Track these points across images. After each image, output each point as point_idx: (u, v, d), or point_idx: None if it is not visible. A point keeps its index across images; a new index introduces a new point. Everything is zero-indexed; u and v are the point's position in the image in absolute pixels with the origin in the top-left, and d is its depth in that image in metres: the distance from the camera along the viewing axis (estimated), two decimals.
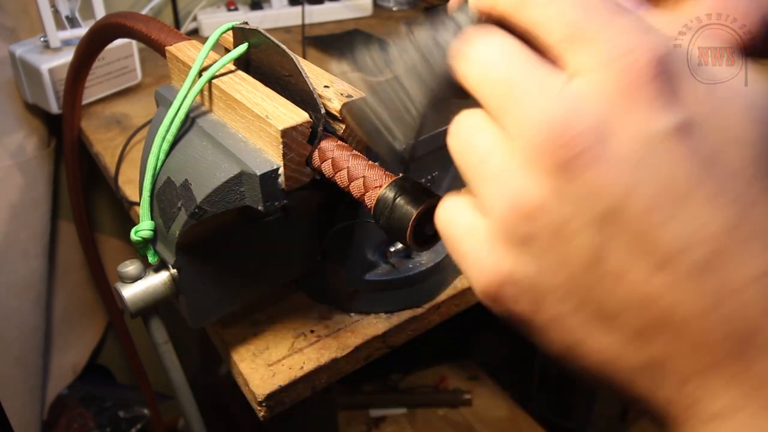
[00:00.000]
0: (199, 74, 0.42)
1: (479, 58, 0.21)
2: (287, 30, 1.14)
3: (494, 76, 0.20)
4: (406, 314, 0.53)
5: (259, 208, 0.39)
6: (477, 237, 0.21)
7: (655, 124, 0.18)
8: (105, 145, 0.81)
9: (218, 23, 1.07)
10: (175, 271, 0.43)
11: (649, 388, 0.19)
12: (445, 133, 0.60)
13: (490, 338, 1.36)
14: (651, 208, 0.18)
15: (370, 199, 0.36)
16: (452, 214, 0.23)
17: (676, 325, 0.18)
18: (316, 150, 0.39)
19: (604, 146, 0.18)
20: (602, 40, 0.18)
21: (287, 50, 0.39)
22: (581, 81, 0.19)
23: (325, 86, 0.41)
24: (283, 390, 0.48)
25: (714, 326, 0.18)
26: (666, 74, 0.18)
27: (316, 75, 0.42)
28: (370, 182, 0.36)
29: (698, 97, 0.18)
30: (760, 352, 0.18)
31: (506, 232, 0.20)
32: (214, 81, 0.42)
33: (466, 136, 0.22)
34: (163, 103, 0.46)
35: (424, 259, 0.53)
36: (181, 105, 0.41)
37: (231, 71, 0.43)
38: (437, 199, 0.34)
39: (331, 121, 0.40)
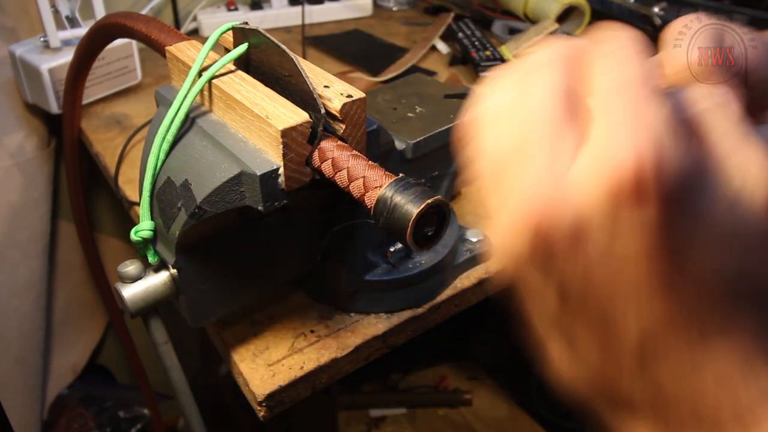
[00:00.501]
0: (199, 74, 0.42)
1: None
2: (287, 30, 1.14)
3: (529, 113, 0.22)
4: (406, 314, 0.53)
5: (259, 208, 0.39)
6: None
7: (622, 222, 0.20)
8: (105, 145, 0.81)
9: (218, 23, 1.07)
10: (175, 271, 0.43)
11: (598, 414, 0.25)
12: (444, 133, 0.60)
13: (490, 338, 1.36)
14: (597, 295, 0.21)
15: (370, 200, 0.36)
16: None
17: (611, 381, 0.23)
18: (316, 150, 0.39)
19: (567, 240, 0.21)
20: (608, 130, 0.20)
21: (287, 50, 0.39)
22: (576, 168, 0.21)
23: (325, 86, 0.41)
24: (283, 390, 0.48)
25: (637, 391, 0.23)
26: (649, 176, 0.19)
27: (316, 75, 0.42)
28: (370, 182, 0.36)
29: (677, 205, 0.20)
30: (671, 417, 0.22)
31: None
32: (214, 81, 0.42)
33: (490, 138, 0.23)
34: (163, 103, 0.46)
35: (424, 259, 0.53)
36: (181, 105, 0.41)
37: (231, 71, 0.43)
38: (437, 199, 0.34)
39: (331, 121, 0.40)
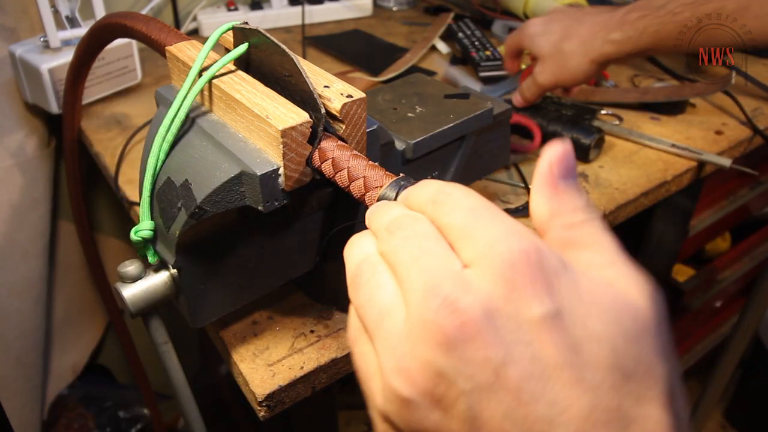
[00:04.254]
0: (199, 74, 0.42)
1: (402, 220, 0.25)
2: (287, 30, 1.14)
3: (411, 237, 0.24)
4: None
5: (260, 208, 0.39)
6: (373, 372, 0.24)
7: (528, 312, 0.21)
8: (105, 145, 0.81)
9: (218, 23, 1.07)
10: (175, 271, 0.43)
11: None
12: (444, 133, 0.60)
13: None
14: (521, 386, 0.20)
15: (370, 199, 0.36)
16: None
17: None
18: (317, 150, 0.39)
19: (485, 326, 0.21)
20: (482, 238, 0.22)
21: (287, 50, 0.39)
22: (470, 271, 0.22)
23: (325, 86, 0.41)
24: (283, 390, 0.48)
25: None
26: (536, 268, 0.21)
27: (316, 75, 0.42)
28: (370, 182, 0.36)
29: (564, 292, 0.21)
30: None
31: (391, 394, 0.23)
32: (214, 81, 0.42)
33: (368, 290, 0.25)
34: (163, 103, 0.46)
35: None
36: (181, 105, 0.41)
37: (231, 71, 0.43)
38: None
39: (331, 121, 0.40)
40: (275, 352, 0.50)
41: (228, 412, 1.17)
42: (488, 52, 0.97)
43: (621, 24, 0.68)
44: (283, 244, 0.48)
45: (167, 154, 0.41)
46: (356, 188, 0.37)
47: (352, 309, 0.26)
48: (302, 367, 0.49)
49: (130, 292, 0.43)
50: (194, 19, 1.10)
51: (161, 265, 0.44)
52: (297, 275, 0.52)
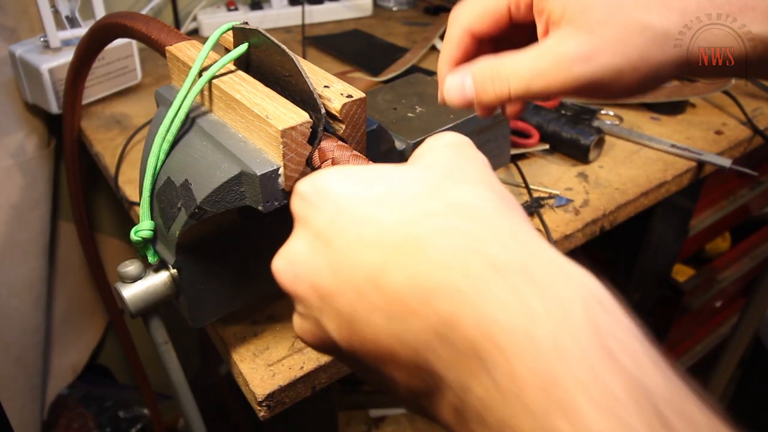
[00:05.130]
0: (199, 74, 0.42)
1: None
2: (287, 30, 1.14)
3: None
4: None
5: (260, 208, 0.39)
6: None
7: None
8: (105, 145, 0.81)
9: (218, 23, 1.07)
10: (175, 271, 0.43)
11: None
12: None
13: None
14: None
15: None
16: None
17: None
18: (317, 150, 0.39)
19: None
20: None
21: (287, 50, 0.39)
22: None
23: (325, 86, 0.41)
24: (283, 390, 0.48)
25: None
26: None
27: (316, 75, 0.42)
28: None
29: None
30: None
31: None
32: (214, 81, 0.42)
33: None
34: (163, 103, 0.46)
35: None
36: (181, 105, 0.41)
37: (231, 71, 0.43)
38: None
39: (332, 121, 0.40)
40: (275, 352, 0.50)
41: (228, 412, 1.17)
42: None
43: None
44: (283, 244, 0.48)
45: (167, 154, 0.42)
46: None
47: None
48: (302, 367, 0.49)
49: (130, 292, 0.43)
50: (194, 19, 1.10)
51: (161, 265, 0.44)
52: None
